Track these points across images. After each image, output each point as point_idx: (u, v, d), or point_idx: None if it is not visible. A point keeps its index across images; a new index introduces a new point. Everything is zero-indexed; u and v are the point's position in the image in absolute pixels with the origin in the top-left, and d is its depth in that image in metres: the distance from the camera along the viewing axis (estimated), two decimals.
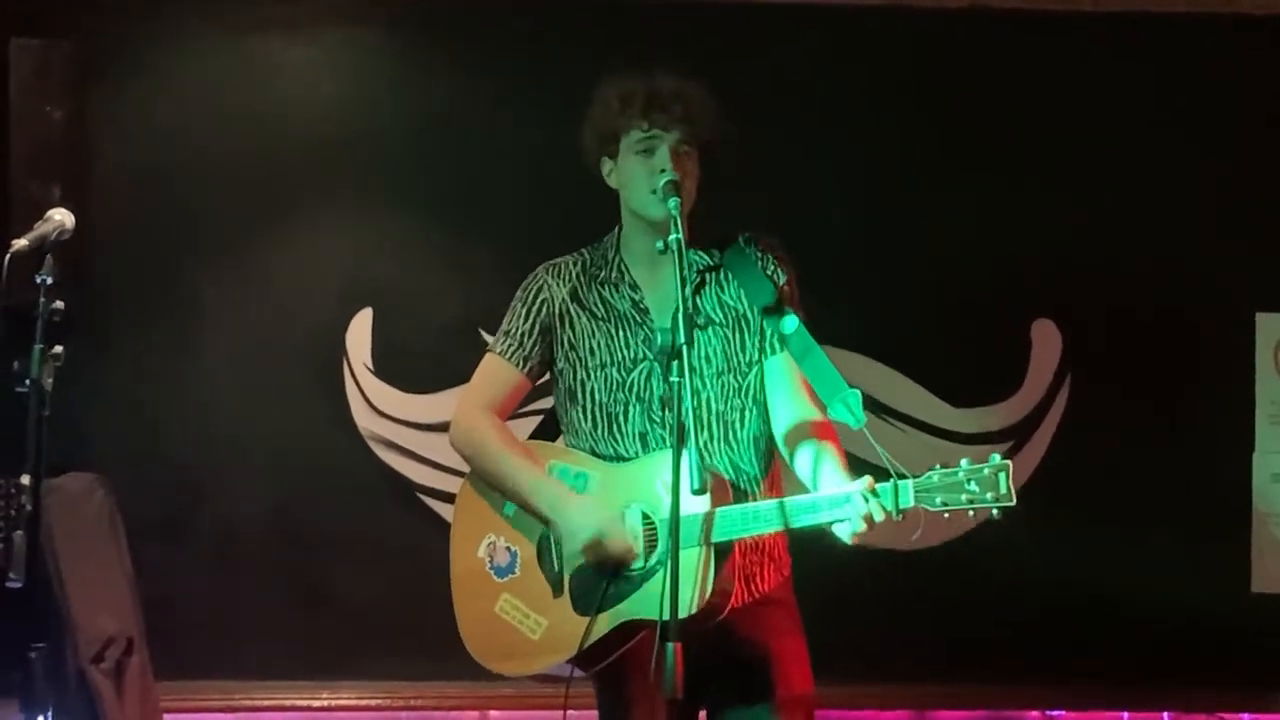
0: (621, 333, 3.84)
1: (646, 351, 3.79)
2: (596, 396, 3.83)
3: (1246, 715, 5.95)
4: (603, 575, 3.67)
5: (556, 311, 3.89)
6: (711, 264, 3.86)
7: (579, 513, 3.70)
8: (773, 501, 3.59)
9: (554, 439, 4.04)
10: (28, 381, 3.62)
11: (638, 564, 3.65)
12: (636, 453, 3.77)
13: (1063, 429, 5.96)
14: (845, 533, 3.48)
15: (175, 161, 5.84)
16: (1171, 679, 5.83)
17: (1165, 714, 5.95)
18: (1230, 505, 5.94)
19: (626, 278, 3.87)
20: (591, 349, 3.85)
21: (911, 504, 3.42)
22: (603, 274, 3.89)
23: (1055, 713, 5.95)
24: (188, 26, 5.87)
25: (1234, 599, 5.89)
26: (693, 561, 3.53)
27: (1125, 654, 5.81)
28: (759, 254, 3.88)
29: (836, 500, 3.48)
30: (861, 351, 5.87)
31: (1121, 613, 5.76)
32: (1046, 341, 5.97)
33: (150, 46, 5.87)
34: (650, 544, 3.64)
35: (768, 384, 3.82)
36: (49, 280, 3.68)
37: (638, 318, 3.83)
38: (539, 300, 3.90)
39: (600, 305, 3.87)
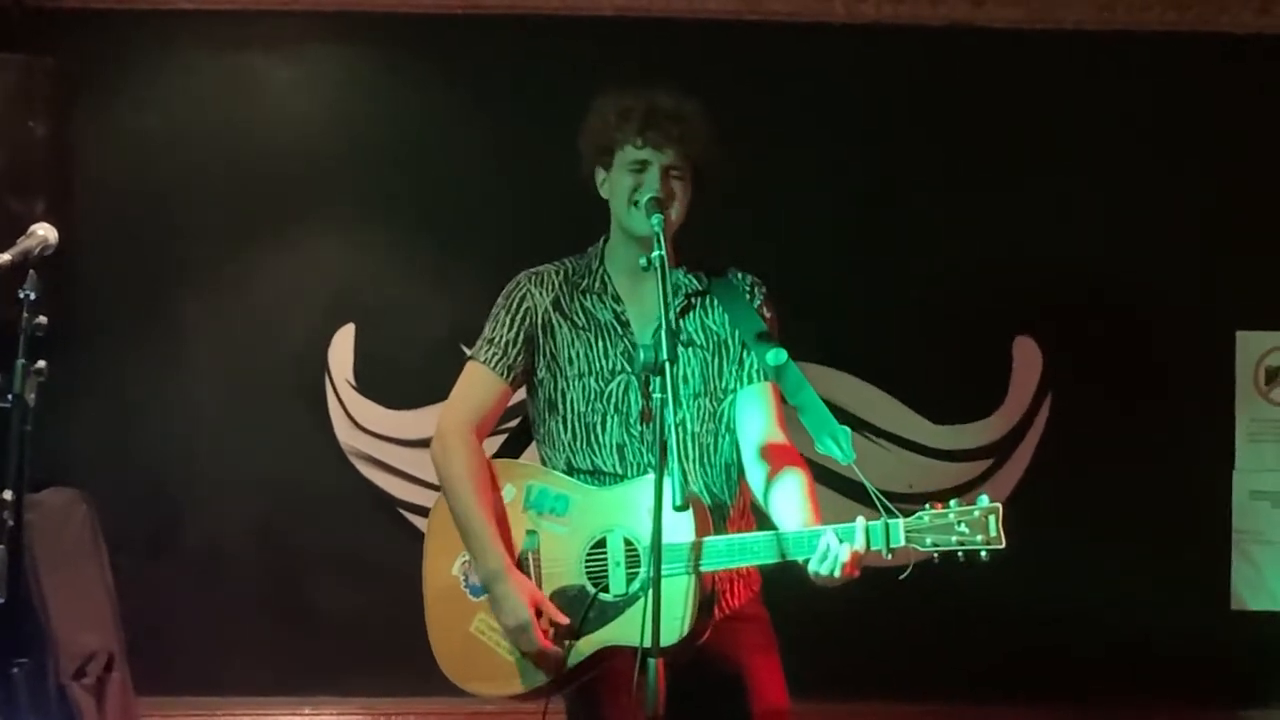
0: (601, 343, 3.84)
1: (625, 363, 3.80)
2: (576, 407, 3.82)
3: None
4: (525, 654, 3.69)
5: (540, 321, 3.88)
6: (699, 288, 3.88)
7: (509, 593, 3.67)
8: (766, 534, 3.59)
9: (518, 455, 4.03)
10: (10, 397, 3.63)
11: (619, 589, 3.64)
12: (614, 466, 3.77)
13: (1044, 446, 5.97)
14: (814, 562, 3.47)
15: (159, 177, 5.84)
16: (1150, 696, 5.82)
17: None
18: (1210, 523, 5.96)
19: (610, 289, 3.87)
20: (570, 358, 3.85)
21: (902, 544, 3.44)
22: (585, 283, 3.89)
23: None
24: (172, 42, 5.87)
25: (1213, 616, 5.91)
26: (679, 590, 3.53)
27: (1104, 671, 5.81)
28: (748, 288, 3.89)
29: (833, 534, 3.46)
30: (843, 368, 5.88)
31: (1101, 630, 5.76)
32: (1028, 359, 5.99)
33: (134, 62, 5.87)
34: (633, 570, 3.64)
35: (740, 412, 3.82)
36: (32, 295, 3.69)
37: (619, 329, 3.83)
38: (523, 308, 3.89)
39: (581, 314, 3.87)
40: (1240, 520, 5.96)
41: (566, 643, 3.66)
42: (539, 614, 3.66)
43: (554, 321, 3.88)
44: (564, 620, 3.66)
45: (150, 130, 5.86)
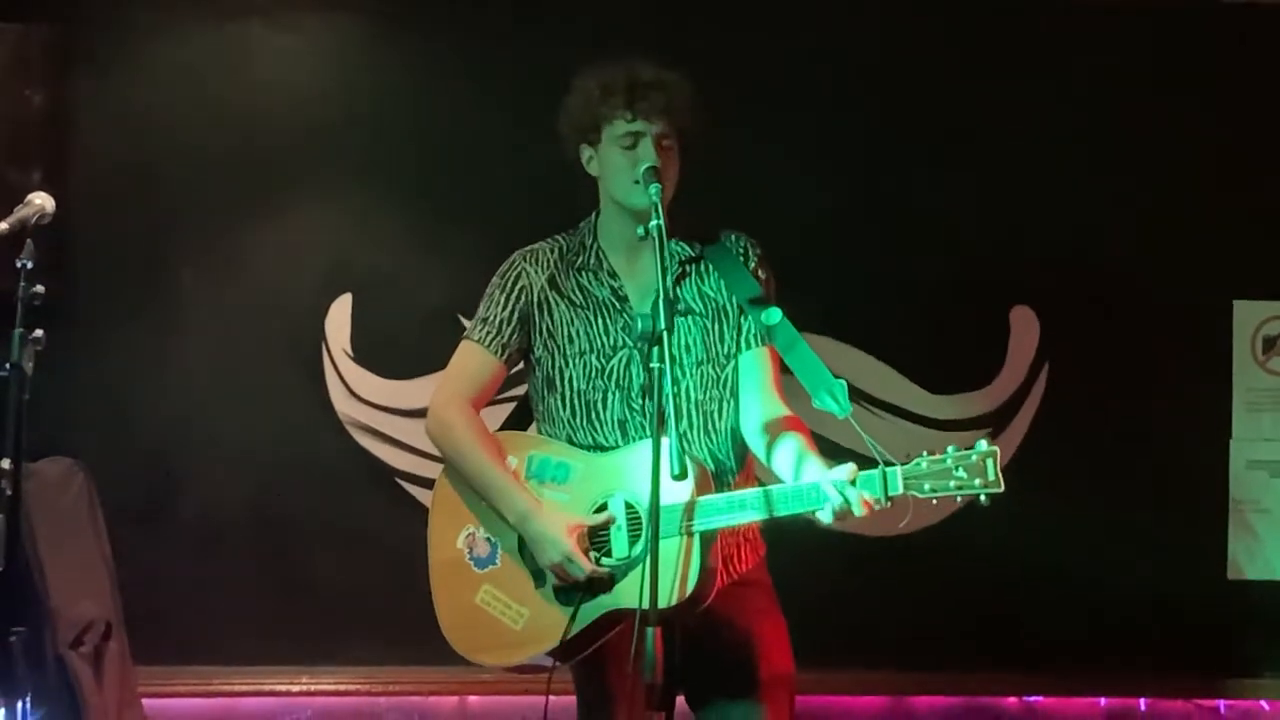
0: (600, 320, 3.83)
1: (626, 339, 3.79)
2: (575, 384, 3.82)
3: (1222, 701, 5.98)
4: (573, 590, 3.67)
5: (535, 299, 3.87)
6: (693, 255, 3.86)
7: (545, 529, 3.68)
8: (756, 489, 3.59)
9: (525, 427, 4.04)
10: (8, 366, 3.62)
11: (621, 553, 3.65)
12: (616, 441, 3.77)
13: (1040, 415, 5.98)
14: (827, 514, 3.47)
15: (156, 146, 5.82)
16: (1148, 665, 5.86)
17: (1141, 700, 5.97)
18: (1207, 492, 5.97)
19: (605, 265, 3.86)
20: (570, 336, 3.84)
21: (900, 491, 3.42)
22: (580, 260, 3.88)
23: (1033, 699, 5.97)
24: (169, 12, 5.85)
25: (1210, 586, 5.93)
26: (675, 551, 3.54)
27: (1102, 640, 5.83)
28: (742, 250, 3.88)
29: (823, 489, 3.46)
30: (840, 338, 5.88)
31: (1098, 599, 5.78)
32: (1025, 328, 5.99)
33: (131, 32, 5.85)
34: (634, 533, 3.64)
35: (741, 378, 3.81)
36: (29, 265, 3.68)
37: (617, 305, 3.82)
38: (518, 287, 3.89)
39: (578, 292, 3.86)
40: (1237, 490, 5.98)
41: (579, 595, 3.66)
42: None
43: (550, 300, 3.87)
44: (586, 561, 3.66)
45: (148, 99, 5.84)
